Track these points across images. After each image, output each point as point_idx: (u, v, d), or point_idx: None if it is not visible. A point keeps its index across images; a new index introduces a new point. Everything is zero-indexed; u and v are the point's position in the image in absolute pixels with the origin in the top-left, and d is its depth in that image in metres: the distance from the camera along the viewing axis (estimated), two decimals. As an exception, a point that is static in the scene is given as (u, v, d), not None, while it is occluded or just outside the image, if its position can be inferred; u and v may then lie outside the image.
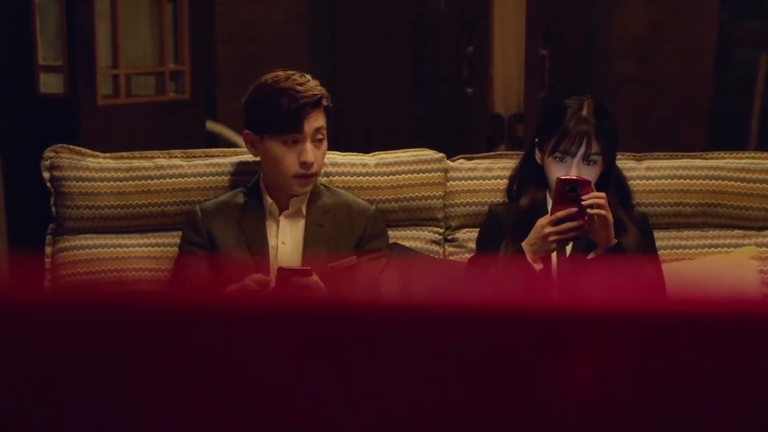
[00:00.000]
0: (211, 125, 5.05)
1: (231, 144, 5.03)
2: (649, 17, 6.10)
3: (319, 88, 2.74)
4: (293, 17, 5.89)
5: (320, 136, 2.73)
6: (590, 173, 2.67)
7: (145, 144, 3.27)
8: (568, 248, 2.69)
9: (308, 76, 2.76)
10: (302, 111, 2.68)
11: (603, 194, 2.55)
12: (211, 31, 5.66)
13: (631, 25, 6.09)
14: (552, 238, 2.54)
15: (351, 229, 2.80)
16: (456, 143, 4.81)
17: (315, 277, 2.53)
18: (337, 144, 3.03)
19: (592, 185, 2.56)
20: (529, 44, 4.19)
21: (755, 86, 6.16)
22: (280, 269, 2.53)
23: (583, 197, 2.51)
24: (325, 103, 2.73)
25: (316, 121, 2.71)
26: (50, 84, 4.17)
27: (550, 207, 2.67)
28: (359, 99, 5.80)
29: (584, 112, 2.69)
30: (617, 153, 2.87)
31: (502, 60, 4.33)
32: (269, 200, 2.78)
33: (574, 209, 2.51)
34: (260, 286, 2.53)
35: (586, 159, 2.67)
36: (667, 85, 6.18)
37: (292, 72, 2.76)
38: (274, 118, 2.69)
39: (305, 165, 2.70)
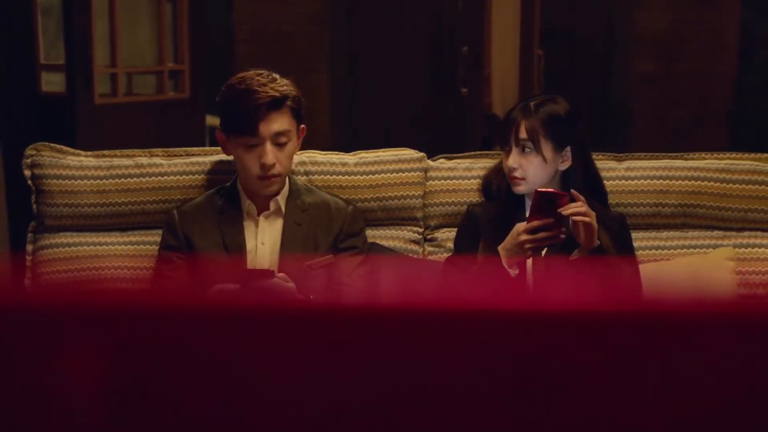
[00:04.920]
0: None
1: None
2: (670, 16, 6.05)
3: (282, 89, 2.67)
4: (313, 17, 5.92)
5: (284, 139, 2.67)
6: (529, 162, 2.70)
7: (143, 142, 3.28)
8: (544, 250, 2.68)
9: (275, 75, 2.70)
10: (256, 114, 2.63)
11: (581, 203, 2.55)
12: (231, 30, 5.68)
13: (651, 25, 6.05)
14: (528, 246, 2.55)
15: (329, 228, 2.78)
16: (461, 143, 4.79)
17: (278, 279, 2.52)
18: (354, 143, 3.04)
19: (568, 198, 2.56)
20: (524, 44, 4.16)
21: (778, 86, 6.09)
22: (242, 272, 2.53)
23: (560, 209, 2.52)
24: (289, 103, 2.67)
25: (276, 123, 2.65)
26: (52, 82, 4.21)
27: (526, 206, 2.70)
28: (377, 98, 5.80)
29: (531, 103, 2.74)
30: (595, 153, 2.90)
31: (499, 60, 4.30)
32: (247, 201, 2.77)
33: (551, 220, 2.51)
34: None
35: (519, 145, 2.71)
36: (688, 85, 6.12)
37: (261, 72, 2.70)
38: (233, 120, 2.67)
39: (264, 167, 2.66)
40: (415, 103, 5.75)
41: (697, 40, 6.07)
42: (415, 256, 2.98)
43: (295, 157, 2.81)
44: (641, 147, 3.39)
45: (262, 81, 2.66)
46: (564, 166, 2.75)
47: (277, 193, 2.76)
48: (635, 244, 2.84)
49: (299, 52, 5.80)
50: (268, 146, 2.65)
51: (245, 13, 5.85)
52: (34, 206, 2.98)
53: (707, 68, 6.10)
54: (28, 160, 2.98)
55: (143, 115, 4.20)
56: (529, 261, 2.64)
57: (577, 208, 2.53)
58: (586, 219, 2.53)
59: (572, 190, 2.58)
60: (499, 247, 2.60)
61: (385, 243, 2.96)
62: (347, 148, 3.14)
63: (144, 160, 2.99)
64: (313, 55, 5.79)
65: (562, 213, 2.52)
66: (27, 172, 2.97)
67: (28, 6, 4.12)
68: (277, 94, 2.64)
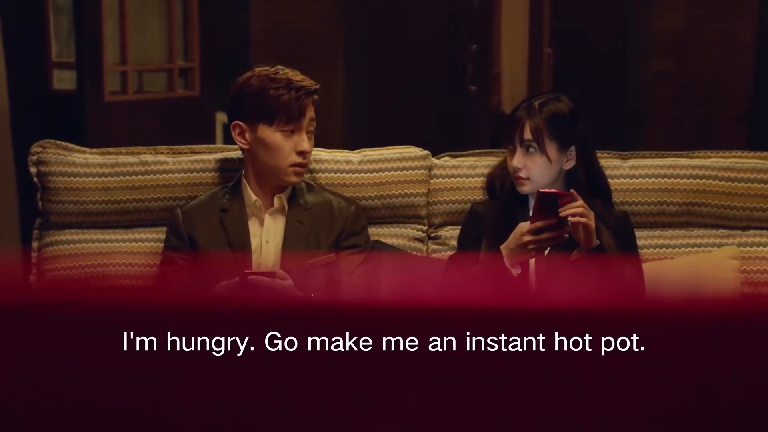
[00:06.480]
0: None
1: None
2: (686, 15, 6.01)
3: (312, 81, 2.76)
4: (328, 16, 5.92)
5: (312, 128, 2.76)
6: (534, 163, 2.70)
7: (153, 140, 3.29)
8: (547, 250, 2.68)
9: (297, 71, 2.76)
10: (303, 100, 2.70)
11: (579, 203, 2.54)
12: (245, 28, 5.70)
13: (667, 23, 6.01)
14: (531, 246, 2.55)
15: (331, 227, 2.78)
16: (471, 141, 4.78)
17: (279, 279, 2.52)
18: (366, 141, 3.05)
19: (571, 197, 2.55)
20: (533, 43, 4.15)
21: (795, 86, 6.04)
22: (244, 274, 2.53)
23: (560, 209, 2.51)
24: (316, 96, 2.75)
25: (311, 111, 2.74)
26: (64, 80, 4.23)
27: (530, 204, 2.71)
28: (389, 96, 5.80)
29: (535, 103, 2.73)
30: (600, 152, 2.89)
31: (508, 59, 4.29)
32: (253, 197, 2.77)
33: (554, 220, 2.51)
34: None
35: (523, 146, 2.70)
36: (704, 84, 6.08)
37: (281, 67, 2.76)
38: (274, 107, 2.69)
39: (302, 154, 2.72)
40: (426, 102, 5.75)
41: (712, 40, 6.03)
42: (419, 254, 2.98)
43: None
44: (656, 148, 3.37)
45: (293, 72, 2.74)
46: (568, 165, 2.74)
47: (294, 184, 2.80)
48: (639, 242, 2.83)
49: (313, 51, 5.80)
50: (304, 134, 2.73)
51: (259, 11, 5.86)
52: (40, 203, 3.00)
53: (723, 68, 6.05)
54: (34, 157, 2.99)
55: (153, 113, 4.22)
56: (532, 260, 2.63)
57: (575, 209, 2.53)
58: (583, 220, 2.52)
59: (571, 190, 2.57)
60: (502, 246, 2.59)
61: (388, 241, 2.95)
62: (361, 147, 3.14)
63: (149, 158, 3.00)
64: (326, 54, 5.79)
65: (560, 213, 2.51)
66: (33, 169, 2.99)
67: (41, 4, 4.15)
68: (316, 84, 2.75)
